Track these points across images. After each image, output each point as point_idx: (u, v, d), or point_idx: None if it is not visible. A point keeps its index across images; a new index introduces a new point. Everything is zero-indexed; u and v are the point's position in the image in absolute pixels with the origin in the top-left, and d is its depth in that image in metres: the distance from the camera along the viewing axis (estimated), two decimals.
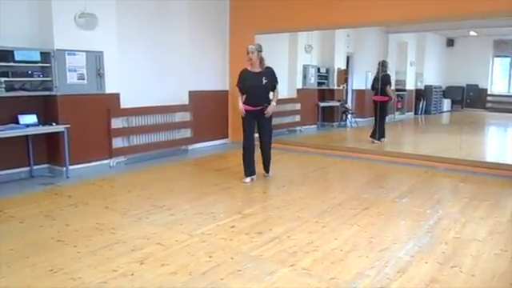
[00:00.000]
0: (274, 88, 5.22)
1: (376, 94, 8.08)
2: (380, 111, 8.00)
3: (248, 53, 5.10)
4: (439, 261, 3.03)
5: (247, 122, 5.19)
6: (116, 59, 5.92)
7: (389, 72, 8.05)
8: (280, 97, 8.63)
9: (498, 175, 5.53)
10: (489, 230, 3.65)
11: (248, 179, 5.23)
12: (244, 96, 5.20)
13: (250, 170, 5.26)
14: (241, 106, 5.15)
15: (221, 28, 7.82)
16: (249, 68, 5.18)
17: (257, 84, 5.09)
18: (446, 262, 3.01)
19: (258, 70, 5.14)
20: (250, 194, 4.81)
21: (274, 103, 5.15)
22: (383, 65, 8.03)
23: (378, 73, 8.06)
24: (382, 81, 7.94)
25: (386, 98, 8.01)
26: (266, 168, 5.49)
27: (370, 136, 8.05)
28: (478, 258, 3.10)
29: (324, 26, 7.26)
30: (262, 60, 5.15)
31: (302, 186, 5.25)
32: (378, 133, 8.00)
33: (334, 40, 9.29)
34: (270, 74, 5.17)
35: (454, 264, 2.98)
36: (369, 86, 9.25)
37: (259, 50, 5.14)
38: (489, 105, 8.96)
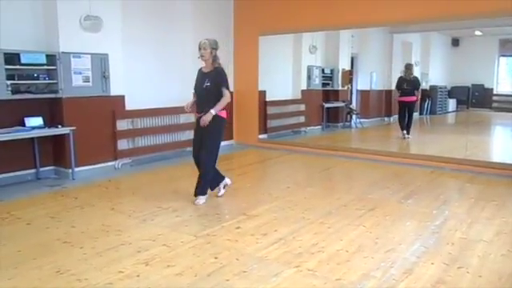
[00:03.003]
0: (217, 92, 4.24)
1: (402, 95, 8.27)
2: (409, 111, 8.27)
3: (199, 48, 4.24)
4: (445, 262, 3.02)
5: (195, 131, 4.47)
6: (121, 61, 5.94)
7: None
8: (284, 98, 8.81)
9: (504, 175, 5.50)
10: (495, 231, 3.63)
11: (198, 200, 4.37)
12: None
13: (211, 184, 4.51)
14: (189, 101, 4.44)
15: (225, 29, 7.83)
16: (202, 67, 4.42)
17: (200, 86, 4.31)
18: (453, 263, 2.99)
19: (207, 70, 4.32)
20: (254, 196, 4.81)
21: (212, 111, 4.12)
22: (409, 68, 8.27)
23: (405, 75, 8.26)
24: (413, 83, 8.24)
25: (415, 99, 8.30)
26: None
27: (406, 133, 8.32)
28: (485, 259, 3.08)
29: (328, 27, 7.27)
30: (215, 59, 4.27)
31: (307, 187, 5.24)
32: (406, 129, 8.29)
33: (338, 41, 9.27)
34: (216, 76, 4.25)
35: (461, 265, 2.96)
36: (374, 87, 9.27)
37: (214, 46, 4.25)
38: (495, 105, 8.90)
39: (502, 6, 5.23)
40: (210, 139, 4.32)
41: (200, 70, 4.47)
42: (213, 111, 4.16)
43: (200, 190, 4.43)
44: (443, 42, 9.56)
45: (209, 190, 4.56)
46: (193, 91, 4.61)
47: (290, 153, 7.32)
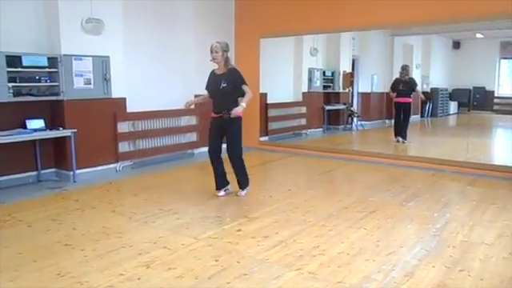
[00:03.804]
0: (239, 90, 4.52)
1: (398, 96, 8.21)
2: (404, 112, 8.22)
3: (211, 51, 4.44)
4: (447, 264, 3.01)
5: (210, 131, 4.69)
6: (122, 64, 5.95)
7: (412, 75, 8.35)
8: (286, 100, 8.82)
9: (505, 178, 5.48)
10: (497, 234, 3.62)
11: (221, 192, 4.75)
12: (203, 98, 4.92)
13: (218, 182, 4.77)
14: (192, 100, 4.95)
15: (226, 32, 7.84)
16: (215, 70, 4.63)
17: (216, 88, 4.52)
18: (454, 266, 2.98)
19: (220, 71, 4.54)
20: (255, 198, 4.80)
21: (243, 104, 4.44)
22: (405, 69, 8.23)
23: (400, 76, 8.22)
24: (409, 84, 8.17)
25: (410, 100, 8.23)
26: (239, 184, 4.77)
27: (400, 136, 8.24)
28: (487, 262, 3.07)
29: (329, 29, 7.27)
30: (227, 61, 4.50)
31: (308, 189, 5.24)
32: (401, 133, 8.22)
33: (339, 43, 9.29)
34: (232, 76, 4.48)
35: (462, 268, 2.96)
36: (374, 89, 9.27)
37: (225, 49, 4.46)
38: (496, 107, 8.91)
39: (502, 8, 5.23)
40: (235, 136, 4.66)
41: (213, 72, 4.67)
42: (244, 104, 4.45)
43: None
44: (444, 45, 9.58)
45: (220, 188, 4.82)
46: (203, 92, 4.87)
47: (290, 155, 7.32)
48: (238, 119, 4.60)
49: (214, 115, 4.65)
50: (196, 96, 7.06)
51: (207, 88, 4.74)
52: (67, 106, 5.39)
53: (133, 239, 3.49)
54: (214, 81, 4.60)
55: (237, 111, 4.43)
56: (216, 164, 4.73)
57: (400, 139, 8.20)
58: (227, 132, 4.62)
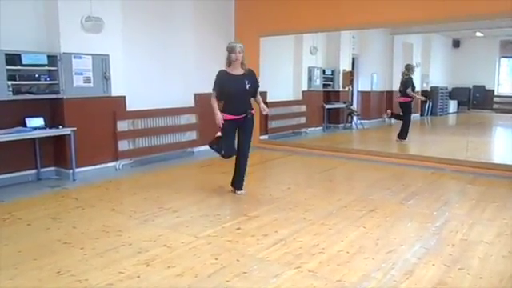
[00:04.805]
0: (255, 92, 4.67)
1: (399, 96, 8.26)
2: (402, 112, 8.21)
3: (234, 52, 4.41)
4: (446, 263, 3.01)
5: (228, 133, 4.56)
6: (122, 62, 5.95)
7: (411, 75, 8.22)
8: (285, 99, 8.82)
9: (505, 177, 5.49)
10: (497, 232, 3.62)
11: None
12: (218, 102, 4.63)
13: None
14: (218, 114, 4.46)
15: (226, 31, 7.83)
16: (228, 70, 4.56)
17: (239, 88, 4.47)
18: (454, 265, 2.98)
19: (239, 72, 4.52)
20: (255, 196, 4.81)
21: (264, 106, 4.67)
22: (407, 68, 8.23)
23: (402, 75, 8.25)
24: (404, 83, 8.17)
25: (409, 99, 8.18)
26: (238, 183, 4.76)
27: (398, 135, 8.21)
28: (486, 261, 3.07)
29: (329, 28, 7.27)
30: (243, 62, 4.52)
31: (308, 187, 5.24)
32: (399, 132, 8.17)
33: (339, 42, 9.30)
34: (253, 77, 4.58)
35: (462, 266, 2.96)
36: (374, 88, 9.29)
37: (244, 50, 4.52)
38: (496, 106, 8.92)
39: (502, 7, 5.23)
40: (251, 134, 4.73)
41: (226, 73, 4.56)
42: (265, 106, 4.72)
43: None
44: (444, 43, 9.59)
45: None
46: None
47: (290, 154, 7.32)
48: (253, 117, 4.71)
49: (232, 117, 4.51)
50: (196, 95, 7.13)
51: (224, 89, 4.49)
52: (67, 104, 5.39)
53: (132, 237, 3.49)
54: (233, 81, 4.48)
55: (266, 108, 4.70)
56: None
57: (398, 139, 8.20)
58: (245, 130, 4.64)
